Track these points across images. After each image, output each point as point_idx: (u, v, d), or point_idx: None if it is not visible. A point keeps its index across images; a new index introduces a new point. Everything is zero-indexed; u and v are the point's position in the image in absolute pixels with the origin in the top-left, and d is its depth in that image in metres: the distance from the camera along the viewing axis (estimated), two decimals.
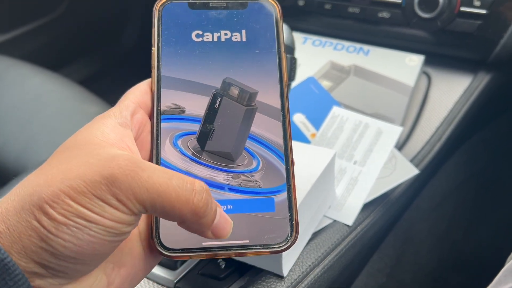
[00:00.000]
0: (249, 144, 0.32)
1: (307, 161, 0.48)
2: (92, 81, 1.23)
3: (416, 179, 0.62)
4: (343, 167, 0.57)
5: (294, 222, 0.30)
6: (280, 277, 0.47)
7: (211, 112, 0.32)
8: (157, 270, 0.48)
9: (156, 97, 0.32)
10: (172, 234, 0.29)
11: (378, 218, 0.58)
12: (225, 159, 0.32)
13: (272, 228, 0.30)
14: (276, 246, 0.30)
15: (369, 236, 0.57)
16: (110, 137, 0.28)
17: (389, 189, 0.57)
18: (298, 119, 0.64)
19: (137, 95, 0.31)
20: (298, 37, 0.79)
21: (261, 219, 0.30)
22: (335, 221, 0.54)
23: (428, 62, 0.73)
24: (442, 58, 0.74)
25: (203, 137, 0.32)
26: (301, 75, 0.71)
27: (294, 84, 0.69)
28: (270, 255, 0.32)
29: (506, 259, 0.43)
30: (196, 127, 0.32)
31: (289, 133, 0.32)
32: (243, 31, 0.34)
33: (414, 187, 0.66)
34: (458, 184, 0.90)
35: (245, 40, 0.34)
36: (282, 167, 0.32)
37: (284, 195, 0.31)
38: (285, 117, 0.32)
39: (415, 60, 0.72)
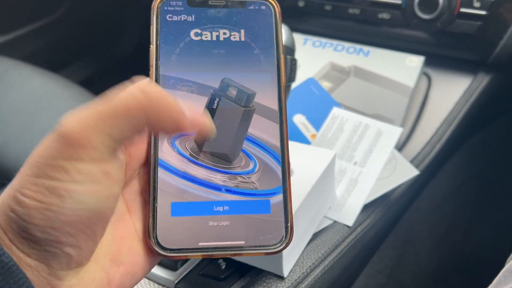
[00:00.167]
0: (246, 145, 0.32)
1: (307, 162, 0.48)
2: (93, 82, 1.23)
3: (416, 180, 0.63)
4: (343, 168, 0.57)
5: (289, 224, 0.31)
6: (281, 277, 0.47)
7: (209, 112, 0.32)
8: (158, 271, 0.48)
9: None
10: (169, 234, 0.30)
11: (378, 218, 0.58)
12: (222, 160, 0.32)
13: (268, 229, 0.31)
14: (271, 247, 0.30)
15: (369, 237, 0.57)
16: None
17: (389, 190, 0.58)
18: (298, 120, 0.65)
19: None
20: (298, 38, 0.79)
21: (257, 221, 0.31)
22: (335, 221, 0.54)
23: (428, 63, 0.74)
24: (442, 59, 0.74)
25: (200, 138, 0.32)
26: (301, 76, 0.71)
27: (294, 85, 0.69)
28: (271, 256, 0.33)
29: (506, 260, 0.43)
30: None
31: (286, 135, 0.32)
32: (242, 31, 0.34)
33: (414, 188, 0.66)
34: (458, 185, 0.90)
35: (244, 39, 0.33)
36: (278, 169, 0.32)
37: (280, 197, 0.31)
38: (282, 118, 0.33)
39: (415, 61, 0.72)
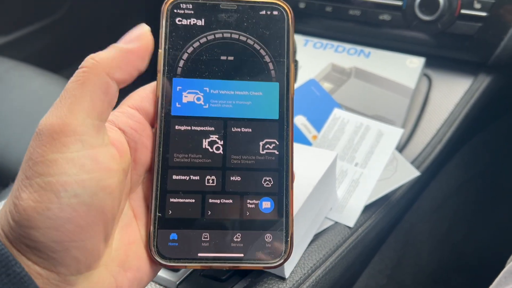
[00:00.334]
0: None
1: (309, 163, 0.49)
2: None
3: (417, 181, 0.63)
4: (344, 169, 0.57)
5: (289, 239, 0.31)
6: (282, 278, 0.47)
7: None
8: (159, 272, 0.48)
9: (160, 102, 0.31)
10: (169, 244, 0.30)
11: (379, 219, 0.58)
12: None
13: (267, 244, 0.31)
14: (270, 262, 0.30)
15: (370, 238, 0.57)
16: None
17: (390, 190, 0.58)
18: (300, 121, 0.65)
19: (137, 99, 0.31)
20: (299, 39, 0.79)
21: (256, 234, 0.31)
22: (336, 222, 0.54)
23: (428, 64, 0.74)
24: (443, 60, 0.74)
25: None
26: (302, 77, 0.71)
27: (295, 86, 0.69)
28: None
29: (507, 261, 0.43)
30: None
31: (291, 149, 0.32)
32: (253, 36, 0.33)
33: (415, 189, 0.66)
34: (459, 186, 0.90)
35: (254, 45, 0.33)
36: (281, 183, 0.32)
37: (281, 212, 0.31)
38: (289, 132, 0.32)
39: (416, 62, 0.73)
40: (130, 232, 0.29)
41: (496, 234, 0.89)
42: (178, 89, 0.32)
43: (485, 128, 0.90)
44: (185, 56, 0.32)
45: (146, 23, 0.30)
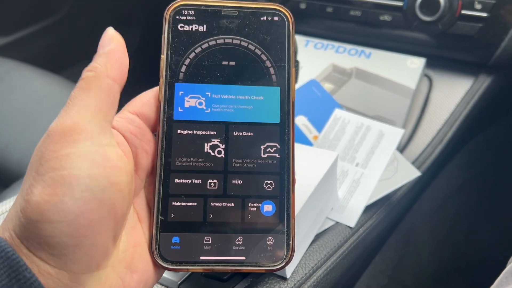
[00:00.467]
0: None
1: (310, 163, 0.49)
2: None
3: (417, 181, 0.63)
4: (345, 169, 0.57)
5: (290, 242, 0.31)
6: (283, 278, 0.47)
7: None
8: None
9: (162, 107, 0.32)
10: (172, 247, 0.30)
11: (380, 220, 0.58)
12: None
13: (269, 247, 0.31)
14: (272, 265, 0.31)
15: (371, 238, 0.57)
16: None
17: (391, 191, 0.58)
18: (300, 121, 0.65)
19: (137, 105, 0.32)
20: (300, 40, 0.79)
21: (258, 238, 0.31)
22: (337, 223, 0.55)
23: (429, 64, 0.74)
24: (443, 60, 0.74)
25: None
26: (303, 78, 0.71)
27: (296, 86, 0.69)
28: None
29: (508, 261, 0.43)
30: None
31: (292, 152, 0.32)
32: (254, 41, 0.33)
33: (416, 189, 0.66)
34: (460, 186, 0.90)
35: (256, 51, 0.33)
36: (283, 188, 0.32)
37: (283, 216, 0.32)
38: (289, 136, 0.32)
39: (417, 63, 0.73)
40: (135, 235, 0.30)
41: (497, 234, 0.89)
42: (180, 94, 0.32)
43: (486, 128, 0.90)
44: (187, 61, 0.32)
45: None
